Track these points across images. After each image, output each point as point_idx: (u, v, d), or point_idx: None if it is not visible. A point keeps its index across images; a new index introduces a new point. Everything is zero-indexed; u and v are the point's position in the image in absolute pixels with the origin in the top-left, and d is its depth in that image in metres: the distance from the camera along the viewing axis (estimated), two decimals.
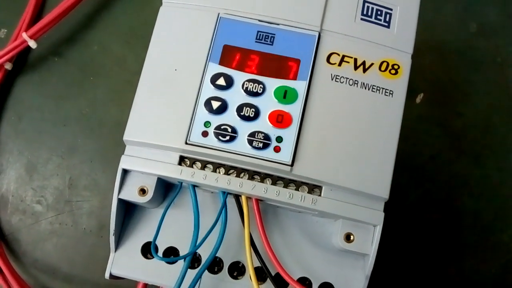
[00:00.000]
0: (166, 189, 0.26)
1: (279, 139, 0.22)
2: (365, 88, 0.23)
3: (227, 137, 0.22)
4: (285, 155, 0.22)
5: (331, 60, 0.23)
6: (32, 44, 0.40)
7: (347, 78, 0.23)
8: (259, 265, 0.24)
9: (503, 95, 0.42)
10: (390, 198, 0.40)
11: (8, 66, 0.41)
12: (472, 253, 0.39)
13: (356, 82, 0.23)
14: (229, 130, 0.22)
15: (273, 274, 0.24)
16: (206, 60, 0.23)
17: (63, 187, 0.40)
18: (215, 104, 0.23)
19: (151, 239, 0.25)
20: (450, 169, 0.40)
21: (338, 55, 0.23)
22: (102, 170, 0.40)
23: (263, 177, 0.23)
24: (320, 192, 0.23)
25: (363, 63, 0.23)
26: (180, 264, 0.25)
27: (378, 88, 0.23)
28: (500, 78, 0.42)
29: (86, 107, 0.42)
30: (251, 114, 0.22)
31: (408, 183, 0.40)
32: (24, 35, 0.40)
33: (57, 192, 0.40)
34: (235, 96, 0.23)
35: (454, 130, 0.41)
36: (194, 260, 0.25)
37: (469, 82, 0.42)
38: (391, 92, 0.23)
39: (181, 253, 0.25)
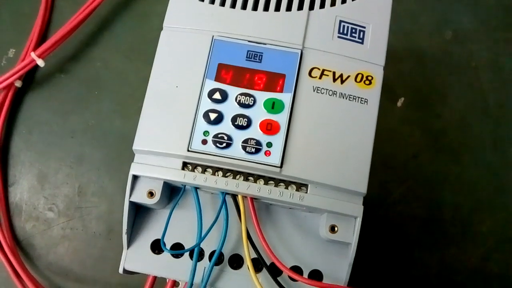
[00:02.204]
0: (171, 192, 0.29)
1: (269, 144, 0.25)
2: (343, 97, 0.26)
3: (224, 144, 0.25)
4: (275, 158, 0.25)
5: (313, 74, 0.26)
6: (40, 62, 0.44)
7: (327, 89, 0.26)
8: (256, 256, 0.27)
9: (477, 96, 0.45)
10: (376, 194, 0.43)
11: (18, 83, 0.45)
12: (453, 244, 0.42)
13: (335, 92, 0.26)
14: (225, 138, 0.26)
15: (268, 264, 0.27)
16: (203, 77, 0.26)
17: (73, 195, 0.43)
18: (212, 116, 0.26)
19: (159, 237, 0.28)
20: (431, 167, 0.43)
21: (319, 69, 0.26)
22: (108, 178, 0.43)
23: (257, 178, 0.26)
24: (307, 190, 0.26)
25: (341, 75, 0.27)
26: (186, 258, 0.28)
27: (355, 97, 0.26)
28: (474, 81, 0.46)
29: (91, 120, 0.45)
30: (244, 123, 0.26)
31: (392, 180, 0.43)
32: (33, 55, 0.43)
33: (67, 199, 0.43)
34: (230, 108, 0.26)
35: (433, 130, 0.44)
36: (198, 255, 0.28)
37: (446, 86, 0.45)
38: (366, 100, 0.26)
39: (187, 248, 0.28)
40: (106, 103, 0.45)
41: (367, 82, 0.27)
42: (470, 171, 0.43)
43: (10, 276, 0.40)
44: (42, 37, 0.46)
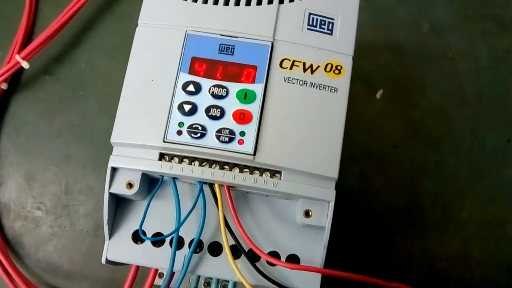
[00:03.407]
0: (150, 183, 0.30)
1: (242, 133, 0.26)
2: (314, 87, 0.27)
3: (198, 134, 0.26)
4: (248, 146, 0.26)
5: (283, 65, 0.27)
6: (25, 65, 0.44)
7: (297, 79, 0.27)
8: (234, 243, 0.28)
9: (455, 86, 0.46)
10: (357, 184, 0.44)
11: (4, 86, 0.45)
12: (434, 230, 0.43)
13: (305, 82, 0.27)
14: (200, 128, 0.26)
15: (246, 250, 0.28)
16: (177, 70, 0.27)
17: (60, 193, 0.44)
18: (187, 107, 0.27)
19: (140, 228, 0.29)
20: (411, 156, 0.44)
21: (289, 60, 0.27)
22: (95, 176, 0.44)
23: (232, 166, 0.27)
24: (280, 176, 0.27)
25: (311, 66, 0.27)
26: (167, 247, 0.29)
27: (325, 86, 0.27)
28: (451, 71, 0.47)
29: (77, 120, 0.45)
30: (218, 114, 0.27)
31: (373, 170, 0.44)
32: (17, 57, 0.44)
33: (55, 198, 0.43)
34: (203, 100, 0.27)
35: (413, 120, 0.45)
36: (178, 244, 0.29)
37: (424, 77, 0.47)
38: (335, 89, 0.27)
39: (167, 238, 0.29)
40: (91, 103, 0.46)
41: (336, 71, 0.28)
42: (449, 159, 0.44)
43: (0, 275, 0.41)
44: (27, 40, 0.47)
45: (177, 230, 0.27)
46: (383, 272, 0.41)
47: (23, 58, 0.44)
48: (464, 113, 0.46)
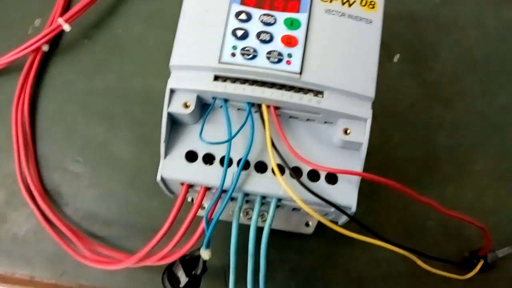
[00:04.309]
0: (202, 108, 0.32)
1: (289, 55, 0.29)
2: (351, 18, 0.31)
3: (250, 56, 0.29)
4: (295, 66, 0.29)
5: None
6: (66, 27, 0.47)
7: (337, 11, 0.31)
8: (278, 162, 0.31)
9: (465, 51, 0.50)
10: (376, 140, 0.47)
11: (45, 48, 0.48)
12: (450, 181, 0.46)
13: (343, 13, 0.31)
14: (251, 50, 0.29)
15: (290, 167, 0.31)
16: (230, 1, 0.30)
17: (97, 147, 0.46)
18: (239, 33, 0.30)
19: (193, 148, 0.32)
20: (427, 115, 0.48)
21: None
22: (131, 131, 0.46)
23: (279, 87, 0.30)
24: (323, 96, 0.30)
25: (348, 0, 0.31)
26: (217, 166, 0.32)
27: (361, 18, 0.31)
28: (462, 39, 0.50)
29: (113, 80, 0.48)
30: (267, 38, 0.30)
31: (391, 127, 0.47)
32: (60, 20, 0.47)
33: (93, 151, 0.46)
34: (254, 26, 0.30)
35: (428, 82, 0.49)
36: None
37: (437, 43, 0.50)
38: (370, 21, 0.31)
39: (217, 158, 0.32)
40: (127, 65, 0.49)
41: (370, 6, 0.31)
42: (462, 117, 0.47)
43: (40, 223, 0.43)
44: (67, 6, 0.50)
45: (230, 140, 0.29)
46: (404, 221, 0.44)
47: (65, 21, 0.47)
48: (475, 77, 0.49)
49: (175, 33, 0.31)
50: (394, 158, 0.46)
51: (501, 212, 0.45)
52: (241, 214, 0.36)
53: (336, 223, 0.37)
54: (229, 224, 0.31)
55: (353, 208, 0.31)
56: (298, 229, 0.37)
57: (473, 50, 0.50)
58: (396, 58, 0.49)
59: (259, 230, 0.31)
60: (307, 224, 0.37)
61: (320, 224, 0.43)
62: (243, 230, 0.31)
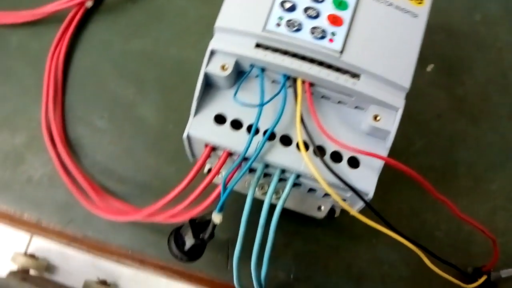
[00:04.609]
0: (238, 76, 0.33)
1: (333, 34, 0.30)
2: (398, 9, 0.31)
3: (295, 28, 0.30)
4: (337, 45, 0.30)
5: None
6: None
7: (385, 0, 0.31)
8: (305, 139, 0.31)
9: (498, 72, 0.50)
10: (399, 143, 0.47)
11: (89, 3, 0.49)
12: (465, 195, 0.46)
13: (391, 4, 0.31)
14: (296, 23, 0.30)
15: (316, 145, 0.31)
16: None
17: (126, 107, 0.47)
18: (287, 5, 0.30)
19: (222, 112, 0.32)
20: (452, 127, 0.48)
21: None
22: (160, 95, 0.47)
23: (318, 64, 0.30)
24: (359, 78, 0.30)
25: None
26: (243, 133, 0.32)
27: (407, 11, 0.31)
28: (497, 60, 0.50)
29: (150, 46, 0.49)
30: (314, 14, 0.30)
31: (415, 134, 0.47)
32: None
33: (119, 109, 0.47)
34: (303, 1, 0.31)
35: (457, 95, 0.49)
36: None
37: (471, 60, 0.50)
38: (416, 15, 0.31)
39: (244, 125, 0.32)
40: (165, 33, 0.50)
41: (418, 1, 0.31)
42: (486, 136, 0.47)
43: (57, 169, 0.44)
44: None
45: (261, 105, 0.30)
46: (411, 227, 0.44)
47: None
48: (504, 99, 0.49)
49: (216, 8, 0.32)
50: (413, 164, 0.45)
51: (510, 235, 0.45)
52: (257, 187, 0.36)
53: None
54: (239, 200, 0.31)
55: (370, 194, 0.31)
56: (310, 212, 0.37)
57: (506, 73, 0.50)
58: (429, 67, 0.50)
59: (271, 209, 0.31)
60: (319, 208, 0.37)
61: (328, 216, 0.43)
62: (254, 208, 0.32)
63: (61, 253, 1.14)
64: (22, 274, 1.01)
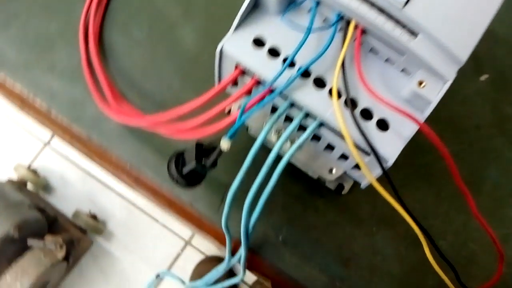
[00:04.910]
0: (289, 4, 0.31)
1: None
2: None
3: None
4: None
5: None
6: None
7: None
8: (340, 86, 0.29)
9: None
10: (429, 142, 0.44)
11: None
12: (482, 215, 0.43)
13: None
14: None
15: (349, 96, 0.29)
16: None
17: (168, 26, 0.46)
18: None
19: (262, 36, 0.30)
20: (488, 142, 0.45)
21: None
22: (202, 23, 0.46)
23: (378, 10, 0.28)
24: (416, 36, 0.28)
25: None
26: (278, 63, 0.30)
27: None
28: None
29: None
30: None
31: (449, 138, 0.44)
32: None
33: (162, 27, 0.46)
34: None
35: (502, 113, 0.46)
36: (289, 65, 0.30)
37: None
38: None
39: (281, 56, 0.30)
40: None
41: None
42: None
43: (82, 64, 0.43)
44: None
45: (307, 33, 0.28)
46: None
47: None
48: None
49: None
50: (438, 167, 0.44)
51: None
52: (273, 129, 0.34)
53: (359, 184, 0.35)
54: (248, 147, 0.29)
55: (390, 162, 0.29)
56: (320, 171, 0.35)
57: None
58: (483, 77, 0.47)
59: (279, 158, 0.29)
60: (330, 171, 0.35)
61: (336, 190, 0.41)
62: (261, 157, 0.30)
63: (62, 177, 1.15)
64: (19, 184, 1.02)
